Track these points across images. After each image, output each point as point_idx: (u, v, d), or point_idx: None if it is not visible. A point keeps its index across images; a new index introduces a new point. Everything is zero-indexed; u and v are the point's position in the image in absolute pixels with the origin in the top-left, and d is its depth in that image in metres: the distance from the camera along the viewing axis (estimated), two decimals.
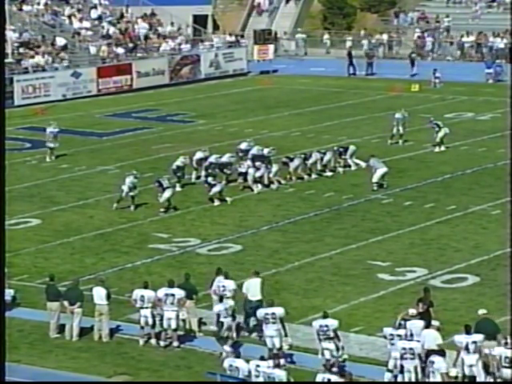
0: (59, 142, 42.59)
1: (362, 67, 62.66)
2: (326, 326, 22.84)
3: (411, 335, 22.49)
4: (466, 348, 22.03)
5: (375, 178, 36.77)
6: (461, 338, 22.19)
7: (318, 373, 21.45)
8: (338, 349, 22.62)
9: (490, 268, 29.16)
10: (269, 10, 74.98)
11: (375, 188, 36.67)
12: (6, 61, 54.54)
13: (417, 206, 35.05)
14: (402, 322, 22.72)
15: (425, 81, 57.20)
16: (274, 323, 23.28)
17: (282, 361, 22.90)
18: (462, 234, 32.17)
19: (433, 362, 21.43)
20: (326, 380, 21.06)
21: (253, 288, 25.09)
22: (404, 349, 22.12)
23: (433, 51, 67.22)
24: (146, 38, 63.72)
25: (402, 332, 22.35)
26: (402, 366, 22.07)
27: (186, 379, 22.90)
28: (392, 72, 60.91)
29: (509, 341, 21.92)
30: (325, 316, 23.21)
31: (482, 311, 23.30)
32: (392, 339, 22.34)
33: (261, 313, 23.58)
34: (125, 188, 34.97)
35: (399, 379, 21.98)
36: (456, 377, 22.18)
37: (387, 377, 22.24)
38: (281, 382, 20.85)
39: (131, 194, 34.96)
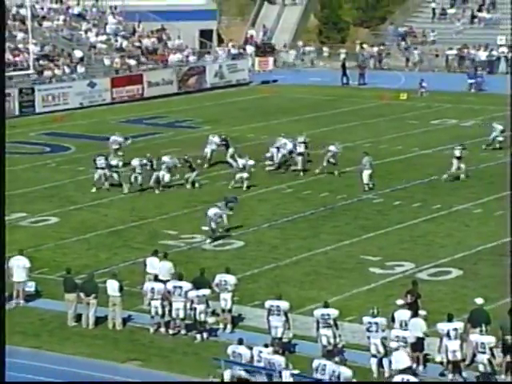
0: (78, 145, 42.58)
1: (355, 77, 62.64)
2: (328, 314, 22.88)
3: (405, 325, 22.53)
4: (448, 334, 22.07)
5: (365, 180, 36.72)
6: (443, 326, 22.24)
7: (314, 359, 21.48)
8: (335, 336, 22.65)
9: (472, 262, 29.17)
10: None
11: (367, 189, 36.64)
12: (28, 72, 54.69)
13: (405, 205, 35.05)
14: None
15: (412, 90, 57.20)
16: (278, 315, 23.32)
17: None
18: (446, 231, 32.18)
19: None
20: (321, 365, 21.08)
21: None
22: (397, 337, 22.13)
23: (421, 62, 67.20)
24: (155, 51, 63.80)
25: (378, 320, 22.38)
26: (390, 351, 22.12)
27: (193, 365, 22.90)
28: (382, 82, 60.92)
29: (483, 328, 21.94)
30: (326, 305, 23.26)
31: (479, 300, 23.25)
32: (370, 327, 22.38)
33: (268, 304, 23.63)
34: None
35: (384, 362, 22.00)
36: (441, 362, 22.22)
37: (373, 362, 22.25)
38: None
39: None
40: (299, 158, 39.86)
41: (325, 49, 71.71)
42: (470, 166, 39.54)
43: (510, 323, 22.24)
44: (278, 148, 40.51)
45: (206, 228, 31.44)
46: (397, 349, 21.60)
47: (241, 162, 37.85)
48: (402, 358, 21.24)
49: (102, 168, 37.70)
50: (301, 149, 40.01)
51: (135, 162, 37.26)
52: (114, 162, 38.18)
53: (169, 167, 37.38)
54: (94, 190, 37.52)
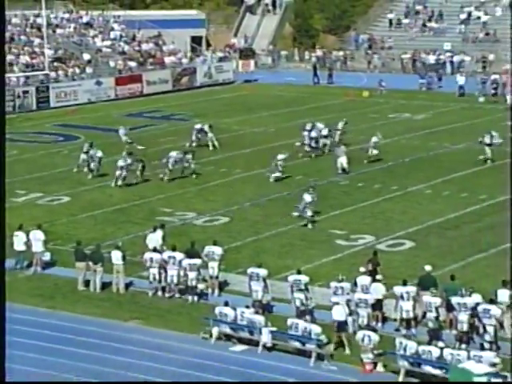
0: (86, 135, 42.37)
1: (324, 77, 62.53)
2: (299, 280, 22.89)
3: (366, 288, 22.57)
4: (402, 297, 22.14)
5: (345, 165, 36.53)
6: (398, 289, 22.32)
7: (288, 318, 21.51)
8: (306, 299, 22.66)
9: (424, 235, 29.24)
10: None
11: (340, 171, 36.49)
12: (44, 72, 54.44)
13: (367, 186, 35.07)
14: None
15: (373, 88, 57.16)
16: (258, 281, 23.33)
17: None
18: (402, 209, 32.22)
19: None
20: (294, 323, 21.12)
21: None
22: (360, 299, 22.18)
23: (383, 66, 67.13)
24: (153, 54, 63.55)
25: (343, 285, 22.41)
26: (356, 312, 22.15)
27: (186, 323, 22.88)
28: (347, 81, 60.82)
29: (434, 291, 22.01)
30: (298, 272, 23.28)
31: (427, 267, 23.33)
32: (336, 291, 22.41)
33: (249, 271, 23.63)
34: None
35: (349, 321, 22.04)
36: (395, 319, 22.30)
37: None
38: None
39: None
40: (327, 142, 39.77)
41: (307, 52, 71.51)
42: (421, 154, 39.62)
43: (453, 286, 22.39)
44: (309, 131, 40.21)
45: (297, 214, 30.33)
46: (336, 303, 21.79)
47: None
48: (338, 311, 21.46)
49: (86, 152, 37.41)
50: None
51: (121, 163, 35.61)
52: (97, 153, 36.87)
53: (175, 161, 36.35)
54: (75, 169, 37.38)
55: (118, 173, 35.40)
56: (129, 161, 35.65)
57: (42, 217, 30.91)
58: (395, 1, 73.62)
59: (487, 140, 38.15)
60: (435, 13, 70.14)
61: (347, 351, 20.91)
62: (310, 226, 30.10)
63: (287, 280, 23.42)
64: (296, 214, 30.44)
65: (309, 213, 30.14)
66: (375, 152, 38.38)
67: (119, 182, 35.30)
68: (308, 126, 40.70)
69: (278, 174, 35.82)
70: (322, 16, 74.46)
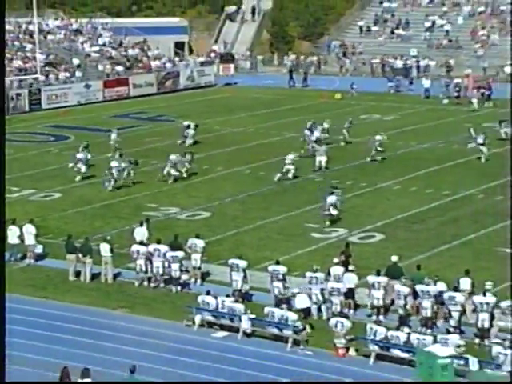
0: (76, 135, 42.15)
1: (300, 81, 62.55)
2: (278, 270, 22.92)
3: (339, 278, 22.62)
4: (373, 285, 22.21)
5: (324, 163, 36.44)
6: (371, 278, 22.39)
7: (265, 306, 21.54)
8: (284, 287, 22.69)
9: (392, 228, 29.33)
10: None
11: (317, 169, 36.30)
12: (36, 76, 54.15)
13: (340, 183, 35.03)
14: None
15: (345, 91, 57.22)
16: (238, 271, 23.33)
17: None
18: (372, 204, 32.29)
19: None
20: (270, 312, 21.16)
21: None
22: (332, 288, 22.23)
23: (354, 70, 67.20)
24: (139, 59, 63.33)
25: (318, 275, 22.45)
26: (329, 300, 22.19)
27: (171, 311, 22.84)
28: (321, 84, 60.81)
29: (404, 280, 22.10)
30: (277, 263, 23.31)
31: (394, 257, 23.43)
32: (311, 280, 22.45)
33: (230, 262, 23.63)
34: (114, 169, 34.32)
35: (323, 308, 22.07)
36: (366, 305, 22.38)
37: (314, 308, 22.32)
38: None
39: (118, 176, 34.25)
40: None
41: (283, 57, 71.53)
42: (390, 152, 39.69)
43: (419, 275, 22.50)
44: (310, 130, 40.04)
45: (326, 213, 29.54)
46: (299, 293, 21.90)
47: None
48: (302, 300, 21.60)
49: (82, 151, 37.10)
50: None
51: (114, 164, 34.77)
52: (87, 156, 36.34)
53: (175, 163, 35.46)
54: (70, 165, 36.50)
55: (113, 175, 34.25)
56: (122, 164, 34.71)
57: (35, 212, 30.76)
58: (365, 9, 73.78)
59: (480, 140, 38.33)
60: (402, 21, 70.35)
61: (308, 329, 20.85)
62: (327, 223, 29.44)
63: (267, 270, 23.44)
64: (325, 213, 29.61)
65: (334, 211, 29.53)
66: (380, 149, 38.01)
67: (110, 186, 34.16)
68: (309, 125, 40.71)
69: (283, 174, 35.11)
70: (297, 23, 74.49)
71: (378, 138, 38.43)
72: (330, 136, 41.15)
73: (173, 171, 35.37)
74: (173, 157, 35.77)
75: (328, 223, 29.45)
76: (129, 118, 51.23)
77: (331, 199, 29.65)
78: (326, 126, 41.46)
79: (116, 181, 34.38)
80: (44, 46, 60.10)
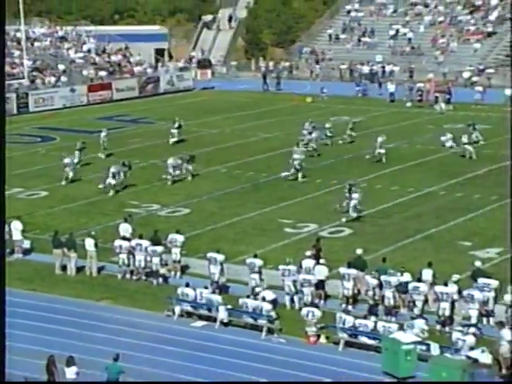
0: (62, 136, 41.88)
1: (273, 85, 62.53)
2: (254, 263, 22.93)
3: (310, 270, 22.65)
4: (344, 277, 22.27)
5: (297, 165, 36.32)
6: (342, 270, 22.46)
7: (239, 298, 21.53)
8: (261, 279, 22.71)
9: (360, 223, 29.36)
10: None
11: (296, 170, 35.89)
12: (23, 81, 53.81)
13: (311, 181, 35.13)
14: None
15: (315, 95, 57.25)
16: (215, 264, 23.30)
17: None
18: (341, 200, 32.23)
19: None
20: (244, 303, 21.15)
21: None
22: (304, 279, 22.25)
23: (324, 75, 67.18)
24: (121, 64, 63.07)
25: (290, 267, 22.48)
26: (301, 291, 22.22)
27: (152, 302, 22.77)
28: (293, 88, 60.79)
29: (373, 272, 22.16)
30: (255, 256, 23.31)
31: (359, 250, 23.51)
32: (284, 273, 22.47)
33: (208, 256, 23.60)
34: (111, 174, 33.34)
35: (295, 299, 22.08)
36: (336, 296, 22.44)
37: (287, 298, 22.36)
38: None
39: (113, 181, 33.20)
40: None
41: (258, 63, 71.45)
42: (359, 152, 39.77)
43: (384, 267, 22.59)
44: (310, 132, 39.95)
45: (339, 208, 29.56)
46: (265, 288, 22.04)
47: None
48: (268, 293, 21.55)
49: (79, 150, 36.96)
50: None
51: (113, 169, 33.54)
52: (74, 159, 35.68)
53: (174, 166, 34.76)
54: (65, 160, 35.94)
55: (110, 181, 33.18)
56: (119, 167, 33.68)
57: (23, 209, 30.52)
58: (334, 18, 73.88)
59: (465, 139, 38.57)
60: (368, 29, 70.55)
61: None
62: (343, 220, 29.07)
63: (243, 263, 23.44)
64: (344, 209, 29.45)
65: (354, 214, 29.24)
66: (382, 151, 37.57)
67: (111, 192, 33.09)
68: (307, 126, 40.77)
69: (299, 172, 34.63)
70: (270, 31, 74.47)
71: (379, 139, 37.96)
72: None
73: (171, 173, 34.58)
74: (171, 160, 35.03)
75: (344, 220, 29.06)
76: (112, 120, 50.98)
77: (355, 196, 29.25)
78: (328, 125, 41.46)
79: (115, 185, 33.35)
80: (31, 53, 59.70)
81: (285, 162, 37.07)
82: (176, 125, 42.78)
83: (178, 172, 34.94)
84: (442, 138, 40.31)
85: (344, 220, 29.11)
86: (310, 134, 40.15)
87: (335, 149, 40.75)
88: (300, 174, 34.84)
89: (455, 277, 21.53)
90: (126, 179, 34.01)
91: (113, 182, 33.33)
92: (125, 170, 33.96)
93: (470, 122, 41.31)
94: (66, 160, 35.54)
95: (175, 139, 42.21)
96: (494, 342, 19.39)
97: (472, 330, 19.74)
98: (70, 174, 35.05)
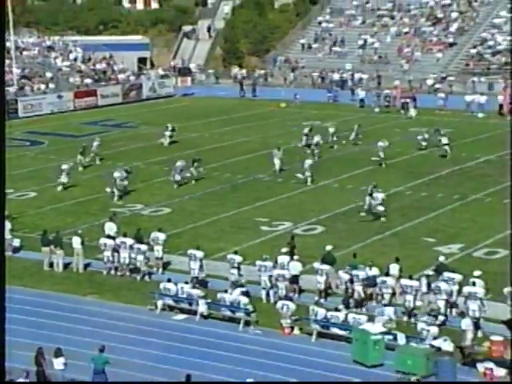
0: (50, 140, 41.60)
1: (249, 91, 62.48)
2: (234, 259, 22.96)
3: (284, 266, 22.67)
4: (317, 271, 22.32)
5: (277, 166, 36.23)
6: (315, 265, 22.53)
7: (218, 292, 21.52)
8: (239, 275, 22.72)
9: (332, 221, 29.46)
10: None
11: (278, 172, 35.83)
12: (13, 88, 53.41)
13: (286, 182, 35.16)
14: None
15: (289, 101, 57.24)
16: (195, 261, 23.28)
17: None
18: (314, 200, 32.40)
19: None
20: (222, 297, 21.13)
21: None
22: (278, 275, 22.27)
23: (297, 82, 67.27)
24: (106, 72, 62.83)
25: (266, 263, 22.51)
26: (276, 286, 22.24)
27: (136, 297, 22.71)
28: (268, 95, 60.71)
29: (347, 268, 22.22)
30: (235, 252, 23.34)
31: (328, 247, 23.58)
32: (260, 268, 22.50)
33: (188, 253, 23.57)
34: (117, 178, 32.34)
35: (271, 293, 22.09)
36: (309, 290, 22.50)
37: (263, 292, 22.35)
38: None
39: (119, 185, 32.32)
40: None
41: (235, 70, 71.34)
42: (330, 154, 39.85)
43: (354, 262, 22.67)
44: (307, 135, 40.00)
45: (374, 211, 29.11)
46: (242, 286, 22.04)
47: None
48: (236, 292, 21.55)
49: (81, 153, 37.15)
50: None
51: (116, 174, 32.69)
52: (62, 166, 34.71)
53: (181, 169, 34.02)
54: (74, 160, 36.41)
55: (117, 188, 32.09)
56: (124, 173, 32.76)
57: (13, 209, 30.28)
58: (306, 29, 74.00)
59: (445, 141, 38.74)
60: (338, 39, 70.74)
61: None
62: (383, 219, 28.77)
63: (222, 260, 23.46)
64: (363, 214, 29.22)
65: (381, 208, 29.04)
66: (382, 155, 37.21)
67: (116, 197, 32.16)
68: (306, 130, 40.78)
69: (301, 176, 34.20)
70: (246, 41, 74.47)
71: (380, 144, 37.58)
72: (276, 140, 41.12)
73: (178, 177, 33.99)
74: (178, 163, 34.36)
75: (383, 219, 28.81)
76: (97, 125, 50.72)
77: (380, 196, 29.02)
78: (331, 130, 41.44)
79: (119, 190, 32.44)
80: (20, 61, 59.33)
81: (261, 163, 37.09)
82: (170, 128, 42.75)
83: (185, 175, 34.22)
84: (419, 137, 40.64)
85: (362, 214, 28.94)
86: (307, 137, 40.01)
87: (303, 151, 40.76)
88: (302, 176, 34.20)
89: (427, 272, 21.65)
90: (128, 184, 33.08)
91: (119, 186, 32.32)
92: (126, 176, 32.94)
93: (436, 128, 41.50)
94: (64, 166, 34.41)
95: (168, 141, 42.26)
96: (456, 331, 19.53)
97: (441, 318, 19.97)
98: (66, 180, 34.11)
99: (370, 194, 29.48)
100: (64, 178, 34.18)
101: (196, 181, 34.76)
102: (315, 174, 35.13)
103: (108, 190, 32.54)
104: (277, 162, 36.29)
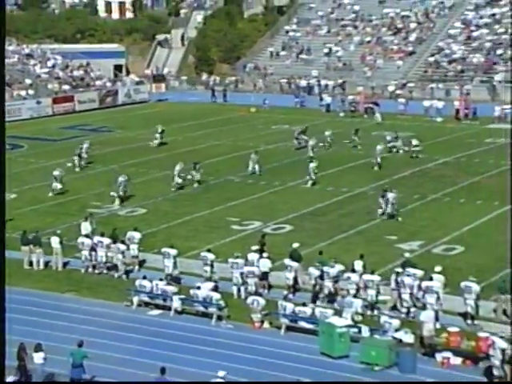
0: (29, 144, 41.23)
1: (220, 97, 62.41)
2: (206, 256, 22.91)
3: (254, 263, 22.68)
4: (286, 268, 22.37)
5: (257, 168, 35.97)
6: (286, 262, 22.59)
7: (190, 288, 21.49)
8: (212, 272, 22.71)
9: (300, 220, 29.54)
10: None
11: (257, 173, 35.69)
12: None
13: (256, 183, 35.18)
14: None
15: (258, 106, 57.26)
16: (169, 259, 23.23)
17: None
18: (283, 200, 32.45)
19: None
20: (195, 293, 21.09)
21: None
22: (248, 271, 22.27)
23: (266, 88, 67.31)
24: (83, 79, 62.44)
25: (238, 261, 22.51)
26: (246, 282, 22.25)
27: (113, 294, 22.61)
28: (238, 100, 60.69)
29: (317, 264, 22.29)
30: (208, 250, 23.30)
31: (295, 244, 23.63)
32: (232, 265, 22.51)
33: (162, 251, 23.51)
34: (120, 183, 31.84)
35: (241, 289, 22.10)
36: (278, 286, 22.53)
37: (234, 289, 22.35)
38: None
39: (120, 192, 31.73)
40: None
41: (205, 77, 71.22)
42: (299, 156, 39.84)
43: (321, 259, 22.76)
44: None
45: (380, 210, 28.95)
46: (214, 280, 22.09)
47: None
48: (209, 285, 21.55)
49: (78, 155, 37.24)
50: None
51: (121, 179, 32.02)
52: (54, 172, 33.85)
53: (180, 173, 33.57)
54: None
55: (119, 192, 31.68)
56: (126, 177, 32.25)
57: None
58: (274, 38, 74.17)
59: (415, 142, 39.24)
60: (305, 47, 70.98)
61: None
62: (399, 219, 28.60)
63: (195, 257, 23.42)
64: (380, 212, 28.98)
65: (393, 208, 28.86)
66: (379, 160, 36.92)
67: (117, 200, 31.55)
68: (296, 134, 40.84)
69: (311, 179, 34.03)
70: (217, 49, 74.47)
71: (378, 148, 37.46)
72: (246, 143, 41.08)
73: (179, 180, 33.62)
74: (177, 167, 33.95)
75: (379, 212, 28.84)
76: (75, 129, 50.39)
77: (392, 196, 28.83)
78: (327, 133, 41.45)
79: (123, 193, 31.92)
80: None
81: (233, 165, 37.07)
82: (159, 130, 42.78)
83: (184, 179, 33.74)
84: (388, 138, 40.87)
85: (380, 213, 28.79)
86: (298, 141, 40.33)
87: (276, 153, 40.80)
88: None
89: (397, 269, 21.67)
90: (128, 189, 32.50)
91: (120, 192, 31.81)
92: (126, 181, 32.35)
93: (395, 134, 41.77)
94: (55, 172, 33.55)
95: (159, 141, 42.48)
96: (416, 323, 19.68)
97: (404, 310, 20.15)
98: (58, 186, 33.34)
99: (383, 196, 29.33)
100: (57, 185, 33.23)
101: (199, 183, 34.33)
102: (285, 175, 35.19)
103: (113, 194, 31.81)
104: (252, 164, 36.24)
